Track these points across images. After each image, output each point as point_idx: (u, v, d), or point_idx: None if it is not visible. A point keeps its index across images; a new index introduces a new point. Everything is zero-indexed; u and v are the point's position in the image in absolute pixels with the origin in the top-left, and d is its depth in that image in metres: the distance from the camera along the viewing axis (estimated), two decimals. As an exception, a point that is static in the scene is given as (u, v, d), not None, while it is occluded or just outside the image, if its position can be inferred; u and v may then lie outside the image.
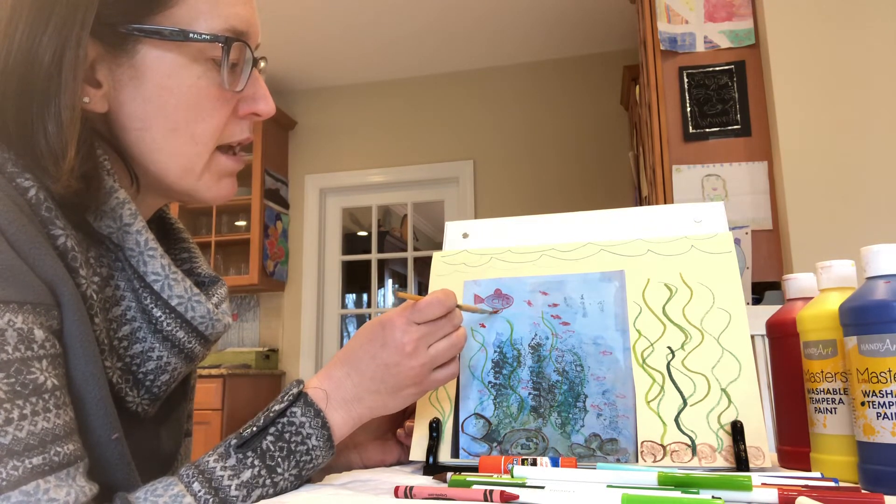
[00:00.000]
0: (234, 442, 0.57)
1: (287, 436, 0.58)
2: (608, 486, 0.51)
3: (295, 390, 0.61)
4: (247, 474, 0.56)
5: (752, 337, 1.19)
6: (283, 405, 0.59)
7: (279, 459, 0.57)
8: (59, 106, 0.54)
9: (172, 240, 0.74)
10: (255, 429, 0.58)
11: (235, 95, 0.63)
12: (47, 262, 0.51)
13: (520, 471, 0.55)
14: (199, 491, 0.53)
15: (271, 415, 0.58)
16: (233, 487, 0.55)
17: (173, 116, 0.60)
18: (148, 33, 0.58)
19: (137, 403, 0.62)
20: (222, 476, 0.55)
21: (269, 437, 0.58)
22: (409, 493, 0.52)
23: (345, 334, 4.45)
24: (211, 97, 0.61)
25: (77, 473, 0.49)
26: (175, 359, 0.63)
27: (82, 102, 0.57)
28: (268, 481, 0.56)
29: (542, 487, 0.50)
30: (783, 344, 0.67)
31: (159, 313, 0.61)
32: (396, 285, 6.02)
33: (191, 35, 0.59)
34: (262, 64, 0.67)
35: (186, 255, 0.73)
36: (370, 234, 4.39)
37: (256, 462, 0.56)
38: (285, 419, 0.59)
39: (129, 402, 0.61)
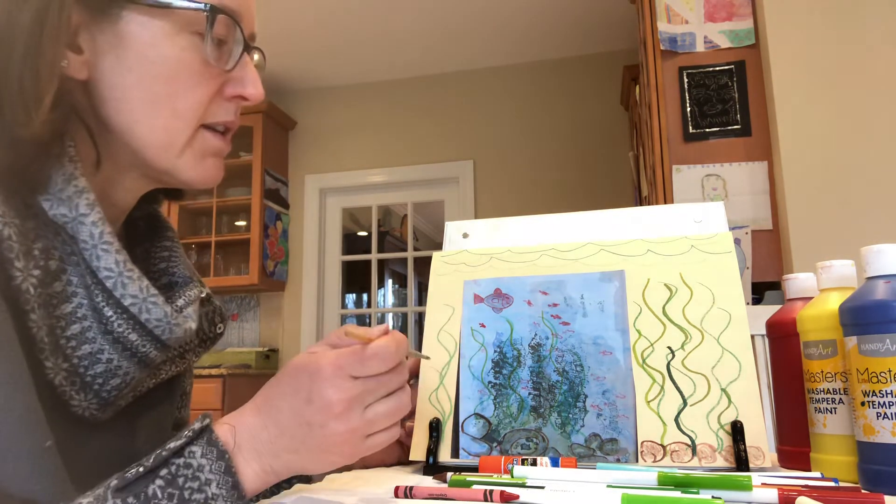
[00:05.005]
0: (114, 483, 0.46)
1: (181, 480, 0.47)
2: (608, 486, 0.51)
3: (198, 425, 0.50)
4: None
5: (752, 337, 1.19)
6: (180, 442, 0.48)
7: None
8: (36, 65, 0.52)
9: (157, 237, 0.70)
10: (141, 469, 0.47)
11: (222, 74, 0.61)
12: None
13: (520, 471, 0.55)
14: None
15: (164, 453, 0.48)
16: None
17: (153, 87, 0.58)
18: None
19: (84, 408, 0.56)
20: None
21: (159, 481, 0.47)
22: (409, 493, 0.52)
23: (345, 334, 4.44)
24: (194, 71, 0.59)
25: None
26: (127, 363, 0.57)
27: (61, 67, 0.55)
28: None
29: (542, 487, 0.50)
30: (783, 344, 0.67)
31: (110, 313, 0.56)
32: (396, 286, 6.02)
33: (174, 3, 0.57)
34: (257, 56, 0.66)
35: (166, 254, 0.69)
36: (370, 234, 4.39)
37: None
38: (181, 460, 0.48)
39: (75, 406, 0.55)
